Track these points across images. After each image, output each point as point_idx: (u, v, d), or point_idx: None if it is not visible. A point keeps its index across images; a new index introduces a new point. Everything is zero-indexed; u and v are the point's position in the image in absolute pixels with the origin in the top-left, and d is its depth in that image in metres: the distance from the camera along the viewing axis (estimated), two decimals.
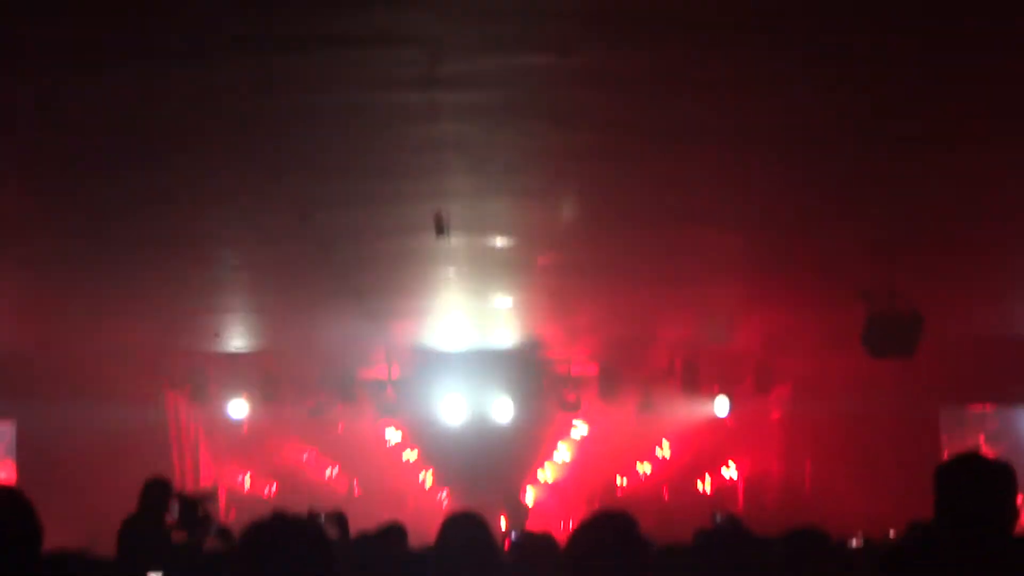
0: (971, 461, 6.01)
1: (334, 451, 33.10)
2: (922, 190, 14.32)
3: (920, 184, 14.07)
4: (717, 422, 29.43)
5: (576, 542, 5.52)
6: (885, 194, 14.44)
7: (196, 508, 13.15)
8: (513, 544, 15.61)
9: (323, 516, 13.10)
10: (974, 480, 5.77)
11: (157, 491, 13.16)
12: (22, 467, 24.89)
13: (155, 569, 9.49)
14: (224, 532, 13.18)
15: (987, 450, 24.76)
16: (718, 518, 15.78)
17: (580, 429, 31.92)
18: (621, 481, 33.47)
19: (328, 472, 33.94)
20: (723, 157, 12.95)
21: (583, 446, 32.89)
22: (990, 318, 22.10)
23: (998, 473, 5.81)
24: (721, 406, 28.34)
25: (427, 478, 34.37)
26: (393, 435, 31.38)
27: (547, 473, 34.47)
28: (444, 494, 34.10)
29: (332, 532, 12.74)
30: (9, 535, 4.83)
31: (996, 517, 5.67)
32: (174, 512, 13.09)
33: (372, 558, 10.48)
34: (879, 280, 17.44)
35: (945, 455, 24.68)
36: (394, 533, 11.44)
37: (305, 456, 33.32)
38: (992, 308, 21.45)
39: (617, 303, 21.80)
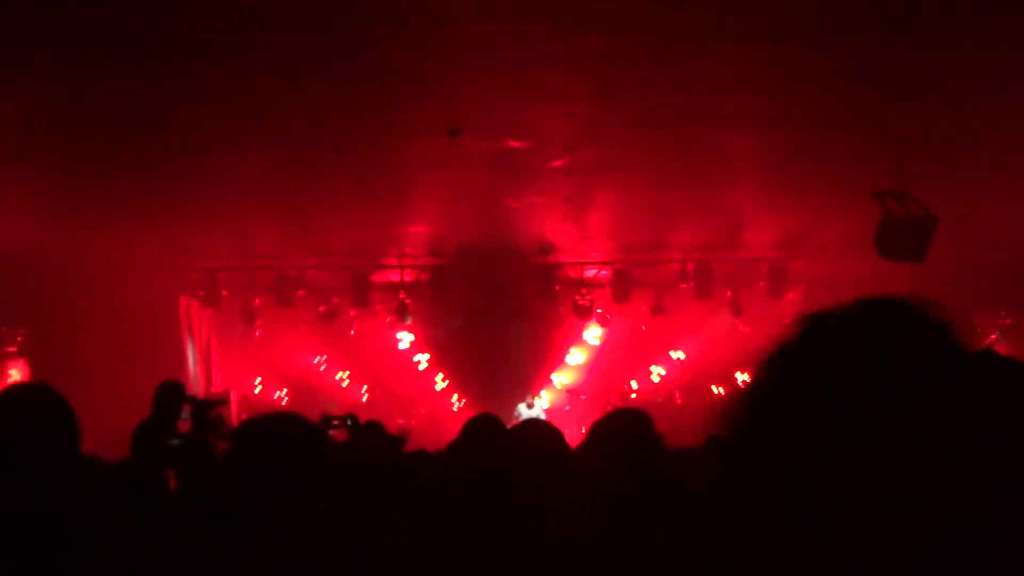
0: (987, 359, 5.93)
1: (346, 356, 33.18)
2: (938, 83, 14.18)
3: (936, 77, 13.93)
4: (731, 326, 29.40)
5: (593, 438, 5.54)
6: (901, 88, 14.30)
7: (209, 412, 13.13)
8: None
9: (335, 420, 13.10)
10: (992, 378, 5.70)
11: (170, 395, 13.14)
12: (35, 372, 24.92)
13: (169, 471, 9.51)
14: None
15: (1000, 348, 24.62)
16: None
17: (594, 333, 31.88)
18: (635, 385, 33.52)
19: (340, 377, 34.05)
20: (739, 55, 12.82)
21: (597, 350, 32.89)
22: (1005, 223, 21.92)
23: (1016, 371, 5.74)
24: (734, 310, 28.34)
25: (441, 384, 34.44)
26: (405, 340, 31.38)
27: (562, 377, 34.51)
28: (460, 400, 34.20)
29: (345, 435, 12.75)
30: (51, 434, 4.78)
31: (1015, 415, 5.61)
32: (187, 416, 13.08)
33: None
34: (893, 181, 17.33)
35: None
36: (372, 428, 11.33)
37: (317, 361, 33.40)
38: (1006, 212, 21.29)
39: (631, 206, 21.72)
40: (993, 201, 20.44)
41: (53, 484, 4.70)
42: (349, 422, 13.03)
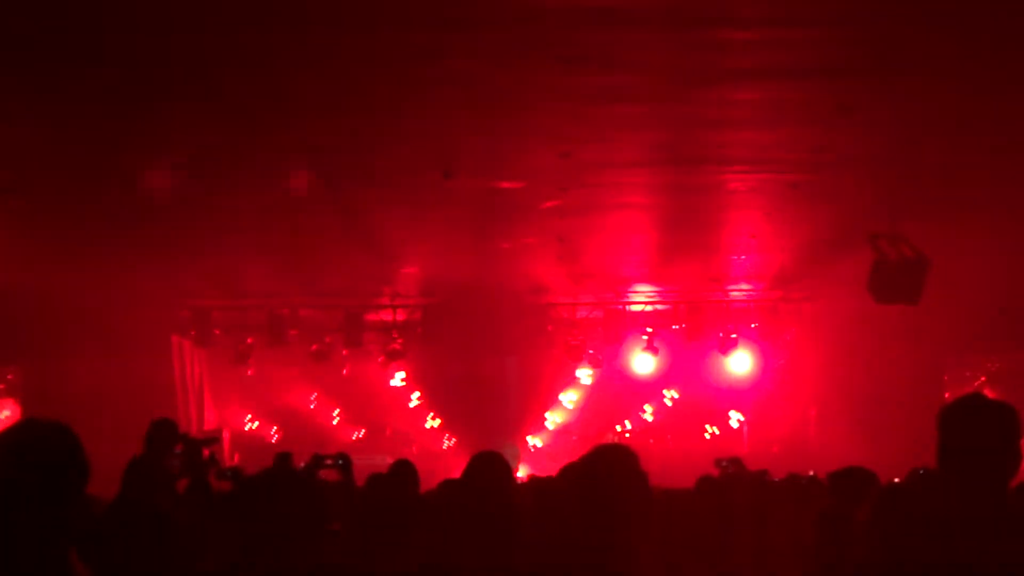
0: (975, 402, 5.95)
1: (339, 395, 33.16)
2: (931, 126, 14.21)
3: (928, 120, 13.96)
4: (722, 367, 29.34)
5: (576, 472, 5.55)
6: (897, 129, 14.32)
7: (201, 450, 13.07)
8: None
9: (328, 459, 13.05)
10: (978, 420, 5.71)
11: (162, 432, 13.07)
12: (26, 411, 24.85)
13: (159, 510, 9.45)
14: (235, 472, 13.16)
15: (989, 392, 24.59)
16: (723, 464, 15.69)
17: (586, 374, 31.85)
18: (626, 426, 33.52)
19: (333, 416, 34.03)
20: (733, 95, 12.87)
21: (589, 391, 32.85)
22: (996, 265, 21.91)
23: (1002, 413, 5.75)
24: (726, 352, 28.29)
25: (432, 422, 34.44)
26: (398, 379, 31.38)
27: (554, 418, 34.50)
28: (451, 439, 34.20)
29: (336, 475, 12.73)
30: (65, 473, 4.74)
31: (1000, 457, 5.62)
32: (179, 454, 13.01)
33: (387, 497, 10.52)
34: (886, 223, 17.35)
35: (947, 396, 24.62)
36: (405, 470, 11.41)
37: (310, 400, 33.39)
38: (997, 253, 21.27)
39: (624, 247, 21.73)
40: (984, 244, 20.43)
41: (64, 522, 4.68)
42: (341, 462, 12.98)
